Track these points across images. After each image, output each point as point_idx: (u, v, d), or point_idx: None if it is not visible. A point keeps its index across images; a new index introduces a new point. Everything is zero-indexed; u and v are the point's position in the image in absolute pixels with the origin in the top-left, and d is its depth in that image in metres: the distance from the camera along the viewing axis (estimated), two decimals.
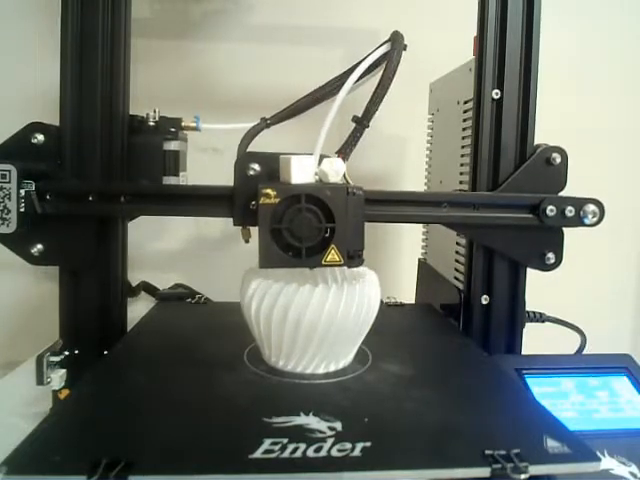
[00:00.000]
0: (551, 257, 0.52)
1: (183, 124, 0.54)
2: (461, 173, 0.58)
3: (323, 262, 0.42)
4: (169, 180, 0.53)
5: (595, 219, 0.50)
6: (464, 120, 0.58)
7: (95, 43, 0.49)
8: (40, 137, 0.48)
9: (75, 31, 0.48)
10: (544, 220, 0.50)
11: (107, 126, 0.50)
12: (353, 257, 0.43)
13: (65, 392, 0.49)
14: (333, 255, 0.42)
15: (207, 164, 0.68)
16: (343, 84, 0.48)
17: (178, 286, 0.68)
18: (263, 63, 0.80)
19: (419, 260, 0.75)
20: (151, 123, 0.53)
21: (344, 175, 0.45)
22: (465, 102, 0.58)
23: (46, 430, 0.34)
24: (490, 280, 0.54)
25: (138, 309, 0.61)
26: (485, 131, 0.53)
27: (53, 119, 0.49)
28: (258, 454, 0.31)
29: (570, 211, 0.50)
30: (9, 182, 0.45)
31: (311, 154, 0.45)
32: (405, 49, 0.49)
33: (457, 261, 0.60)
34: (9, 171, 0.45)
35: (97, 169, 0.50)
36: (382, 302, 0.48)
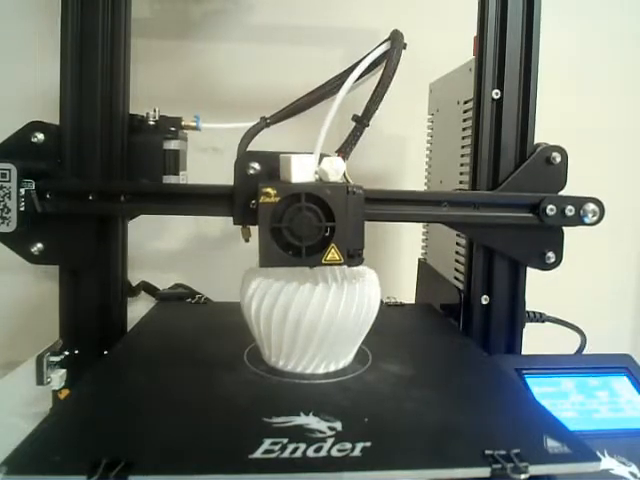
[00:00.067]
0: (551, 256, 0.52)
1: (183, 123, 0.54)
2: (461, 173, 0.58)
3: (323, 261, 0.42)
4: (169, 179, 0.53)
5: (595, 218, 0.50)
6: (464, 120, 0.58)
7: (95, 43, 0.49)
8: (40, 136, 0.48)
9: (75, 31, 0.48)
10: (544, 219, 0.50)
11: (107, 125, 0.50)
12: (353, 256, 0.43)
13: (65, 392, 0.49)
14: (333, 254, 0.42)
15: (207, 163, 0.68)
16: (343, 83, 0.48)
17: (178, 286, 0.68)
18: (263, 63, 0.80)
19: (419, 260, 0.75)
20: (151, 122, 0.53)
21: (344, 174, 0.45)
22: (465, 102, 0.58)
23: (46, 430, 0.34)
24: (490, 280, 0.54)
25: (138, 309, 0.61)
26: (485, 131, 0.52)
27: (53, 119, 0.49)
28: (258, 454, 0.31)
29: (570, 210, 0.50)
30: (9, 181, 0.45)
31: (311, 153, 0.45)
32: (405, 48, 0.48)
33: (457, 261, 0.60)
34: (9, 170, 0.45)
35: (97, 168, 0.50)
36: (382, 302, 0.48)
